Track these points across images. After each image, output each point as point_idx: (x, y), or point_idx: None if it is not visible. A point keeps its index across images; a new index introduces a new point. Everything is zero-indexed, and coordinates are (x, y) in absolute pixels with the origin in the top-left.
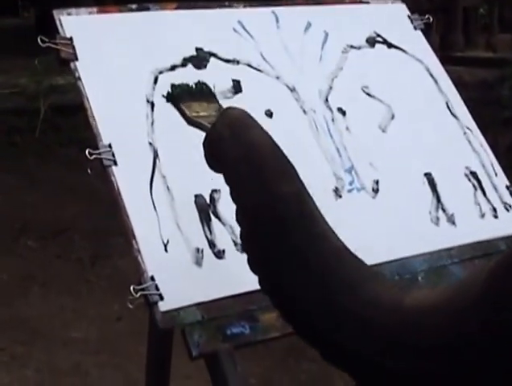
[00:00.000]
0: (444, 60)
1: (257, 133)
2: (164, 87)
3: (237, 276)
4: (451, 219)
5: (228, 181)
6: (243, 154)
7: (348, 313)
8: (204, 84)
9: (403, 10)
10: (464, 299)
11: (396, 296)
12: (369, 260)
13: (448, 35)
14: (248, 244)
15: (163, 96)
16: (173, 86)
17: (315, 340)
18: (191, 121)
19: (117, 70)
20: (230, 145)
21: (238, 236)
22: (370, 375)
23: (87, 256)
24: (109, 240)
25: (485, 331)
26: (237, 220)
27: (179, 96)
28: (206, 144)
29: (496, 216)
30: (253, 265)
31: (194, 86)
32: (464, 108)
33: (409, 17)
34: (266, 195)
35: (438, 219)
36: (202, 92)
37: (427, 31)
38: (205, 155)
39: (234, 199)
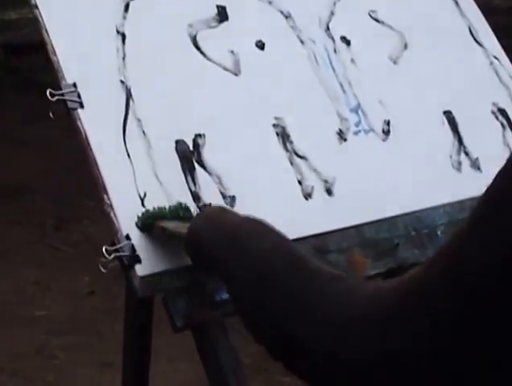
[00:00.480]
0: None
1: (228, 214)
2: (136, 14)
3: None
4: (475, 164)
5: (211, 268)
6: (221, 235)
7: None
8: (183, 207)
9: None
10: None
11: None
12: (381, 213)
13: None
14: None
15: (136, 30)
16: (145, 215)
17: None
18: (166, 233)
19: None
20: (209, 231)
21: (227, 188)
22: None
23: (50, 220)
24: (76, 200)
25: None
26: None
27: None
28: (188, 245)
29: None
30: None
31: (169, 210)
32: (491, 33)
33: None
34: (243, 255)
35: (460, 164)
36: (179, 217)
37: None
38: (191, 257)
39: (223, 280)
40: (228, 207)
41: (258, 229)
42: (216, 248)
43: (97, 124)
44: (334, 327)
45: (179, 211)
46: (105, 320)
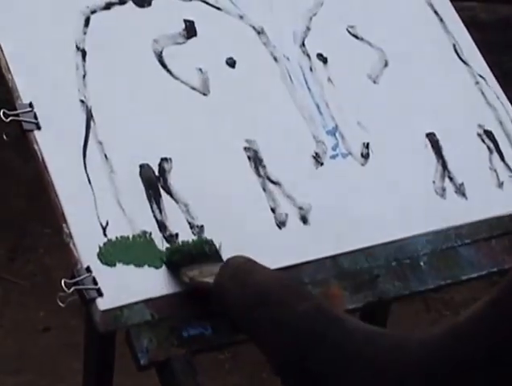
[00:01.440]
0: None
1: (260, 272)
2: (98, 29)
3: None
4: (460, 190)
5: (247, 331)
6: (251, 295)
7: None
8: (207, 242)
9: None
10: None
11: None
12: (359, 242)
13: None
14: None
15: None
16: (170, 250)
17: None
18: (193, 283)
19: (38, 10)
20: (237, 294)
21: (195, 217)
22: None
23: (3, 250)
24: (32, 228)
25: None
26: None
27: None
28: (214, 299)
29: None
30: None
31: (193, 245)
32: (477, 51)
33: None
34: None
35: (444, 190)
36: (205, 255)
37: None
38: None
39: (259, 347)
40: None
41: (293, 291)
42: (246, 309)
43: (55, 147)
44: None
45: (203, 246)
46: (62, 357)
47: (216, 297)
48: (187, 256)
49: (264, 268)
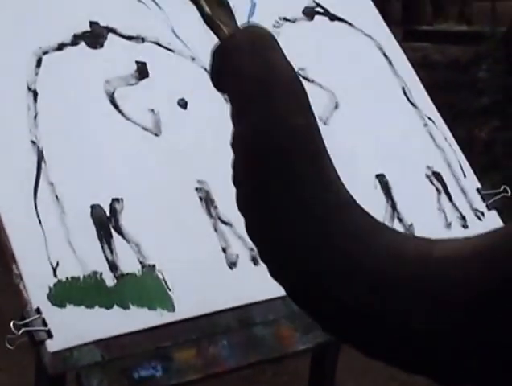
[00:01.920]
0: (408, 35)
1: (279, 56)
2: (50, 70)
3: (145, 305)
4: (409, 231)
5: (233, 99)
6: (260, 73)
7: (357, 264)
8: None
9: None
10: (494, 253)
11: (423, 247)
12: None
13: (412, 5)
14: (243, 180)
15: (49, 86)
16: None
17: (315, 301)
18: (208, 20)
19: None
20: (247, 60)
21: (146, 256)
22: (384, 338)
23: None
24: None
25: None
26: (234, 150)
27: None
28: (218, 52)
29: (465, 226)
30: (246, 204)
31: None
32: (425, 94)
33: None
34: (273, 121)
35: None
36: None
37: (385, 0)
38: (212, 65)
39: (235, 123)
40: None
41: (301, 103)
42: (247, 95)
43: (6, 187)
44: (381, 285)
45: None
46: None
47: (224, 51)
48: None
49: (283, 54)
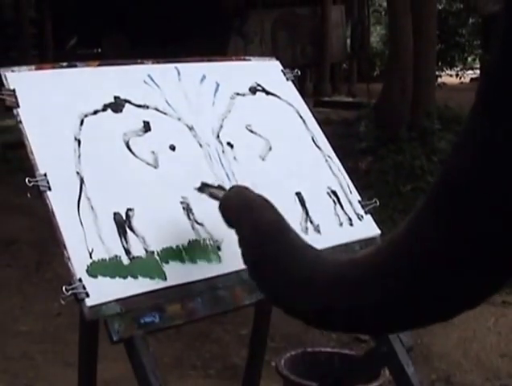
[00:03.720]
0: (316, 103)
1: (249, 192)
2: (89, 127)
3: (147, 276)
4: (317, 229)
5: (233, 224)
6: (241, 203)
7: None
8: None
9: (277, 65)
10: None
11: (335, 259)
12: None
13: (319, 84)
14: (245, 258)
15: (88, 137)
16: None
17: (289, 311)
18: (212, 195)
19: (50, 114)
20: (233, 200)
21: (148, 245)
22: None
23: (32, 263)
24: (50, 249)
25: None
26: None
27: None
28: (221, 206)
29: (351, 224)
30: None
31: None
32: (326, 141)
33: (282, 70)
34: (253, 221)
35: (307, 228)
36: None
37: (301, 81)
38: (222, 214)
39: (237, 233)
40: (148, 259)
41: (265, 205)
42: (236, 213)
43: (60, 201)
44: (317, 287)
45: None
46: (69, 333)
47: (223, 203)
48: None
49: (254, 193)
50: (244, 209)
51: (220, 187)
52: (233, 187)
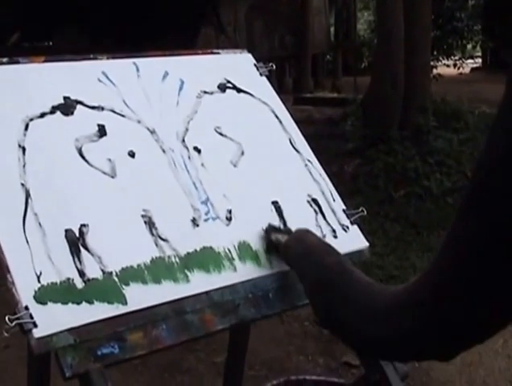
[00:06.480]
0: (297, 100)
1: (310, 236)
2: (35, 132)
3: (105, 301)
4: None
5: (295, 269)
6: (301, 250)
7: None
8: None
9: (250, 59)
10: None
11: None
12: (224, 280)
13: (300, 79)
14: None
15: (34, 143)
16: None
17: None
18: (277, 240)
19: None
20: (293, 248)
21: (106, 265)
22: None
23: None
24: None
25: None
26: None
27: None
28: (283, 254)
29: (335, 236)
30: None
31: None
32: (305, 143)
33: (255, 65)
34: (316, 266)
35: None
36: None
37: (280, 76)
38: (285, 258)
39: (300, 280)
40: (105, 280)
41: (326, 249)
42: (297, 258)
43: (2, 217)
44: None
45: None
46: (18, 368)
47: (284, 251)
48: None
49: (312, 234)
50: (304, 256)
51: (287, 231)
52: (292, 232)
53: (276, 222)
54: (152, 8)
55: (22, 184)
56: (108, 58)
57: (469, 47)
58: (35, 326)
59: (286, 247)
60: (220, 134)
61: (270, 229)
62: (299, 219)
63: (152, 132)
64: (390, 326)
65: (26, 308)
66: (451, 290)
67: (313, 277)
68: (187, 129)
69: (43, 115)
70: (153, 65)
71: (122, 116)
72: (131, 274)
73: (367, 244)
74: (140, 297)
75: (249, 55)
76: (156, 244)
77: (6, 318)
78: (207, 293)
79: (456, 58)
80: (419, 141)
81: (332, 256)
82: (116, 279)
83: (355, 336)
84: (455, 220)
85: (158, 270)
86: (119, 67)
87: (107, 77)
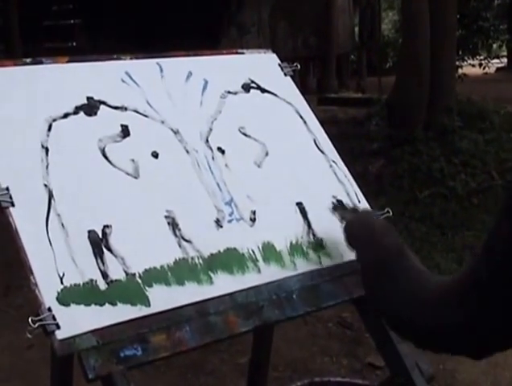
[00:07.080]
0: (321, 101)
1: (371, 217)
2: (58, 132)
3: (128, 303)
4: (320, 243)
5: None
6: (363, 229)
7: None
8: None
9: (274, 58)
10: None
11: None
12: (247, 281)
13: (324, 79)
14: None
15: (57, 144)
16: None
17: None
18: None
19: (13, 119)
20: (355, 227)
21: (129, 267)
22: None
23: (0, 287)
24: (21, 272)
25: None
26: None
27: None
28: (344, 233)
29: None
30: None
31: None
32: (330, 143)
33: (279, 65)
34: (375, 246)
35: (309, 243)
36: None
37: (304, 76)
38: (346, 236)
39: (358, 258)
40: (129, 282)
41: (387, 231)
42: (357, 236)
43: (25, 218)
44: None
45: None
46: (41, 368)
47: (345, 230)
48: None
49: (375, 218)
50: (364, 236)
51: (353, 210)
52: (357, 212)
53: (300, 224)
54: (175, 9)
55: (45, 185)
56: (131, 58)
57: (495, 46)
58: (58, 327)
59: (347, 226)
60: (245, 135)
61: (338, 206)
62: (324, 220)
63: (176, 132)
64: (435, 318)
65: (49, 309)
66: (490, 292)
67: (370, 255)
68: (210, 130)
69: (66, 115)
70: (177, 65)
71: (146, 116)
72: (154, 276)
73: None
74: (163, 298)
75: (274, 55)
76: (180, 245)
77: (29, 320)
78: (230, 294)
79: (482, 58)
80: (444, 141)
81: (393, 238)
82: (139, 280)
83: (397, 320)
84: (493, 225)
85: (182, 271)
86: (143, 68)
87: (130, 77)
